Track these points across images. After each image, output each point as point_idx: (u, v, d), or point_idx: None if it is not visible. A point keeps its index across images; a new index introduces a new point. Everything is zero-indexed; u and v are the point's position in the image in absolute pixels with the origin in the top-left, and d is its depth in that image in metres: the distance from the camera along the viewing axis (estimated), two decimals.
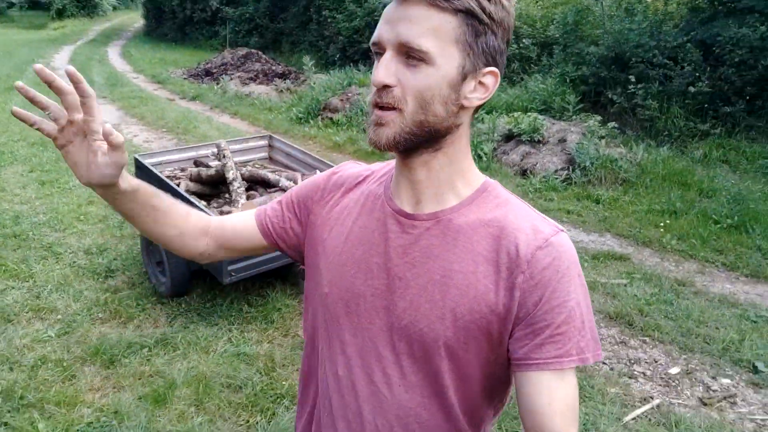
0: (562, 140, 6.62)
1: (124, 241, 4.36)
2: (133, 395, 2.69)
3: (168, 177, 3.87)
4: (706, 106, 7.13)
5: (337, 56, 12.51)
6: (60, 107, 0.84)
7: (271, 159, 4.66)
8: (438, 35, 0.78)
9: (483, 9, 0.78)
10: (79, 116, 0.83)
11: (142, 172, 3.91)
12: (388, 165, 1.01)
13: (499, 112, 7.66)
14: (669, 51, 7.51)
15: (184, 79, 12.52)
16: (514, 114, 7.20)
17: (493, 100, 8.25)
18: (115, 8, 30.24)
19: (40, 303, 3.48)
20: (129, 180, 0.92)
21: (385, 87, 0.80)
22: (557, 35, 9.34)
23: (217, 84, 11.47)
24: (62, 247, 4.24)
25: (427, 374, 0.89)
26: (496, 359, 0.87)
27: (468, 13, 0.78)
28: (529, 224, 0.86)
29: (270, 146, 4.66)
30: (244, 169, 4.03)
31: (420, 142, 0.84)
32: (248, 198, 3.65)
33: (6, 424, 2.49)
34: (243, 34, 16.64)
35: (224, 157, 3.91)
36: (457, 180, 0.90)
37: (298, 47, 14.81)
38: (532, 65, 9.52)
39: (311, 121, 8.60)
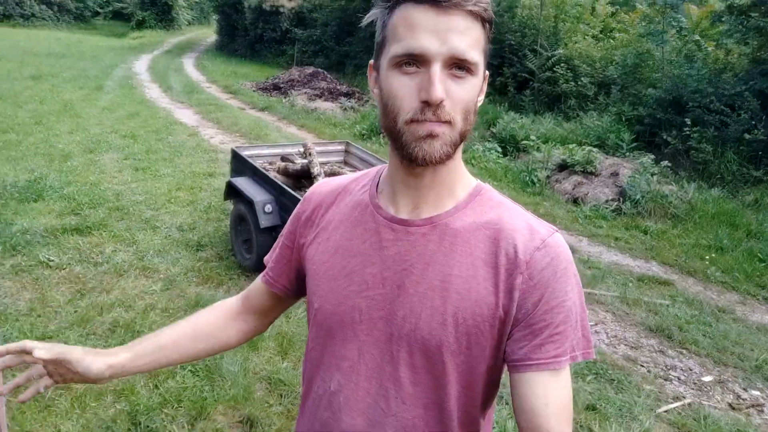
0: (614, 174, 6.91)
1: (211, 223, 4.90)
2: None
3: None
4: (760, 153, 7.30)
5: None
6: (37, 368, 0.95)
7: (346, 164, 5.15)
8: (478, 46, 0.81)
9: (493, 19, 0.83)
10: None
11: (238, 161, 4.45)
12: (369, 173, 1.01)
13: (553, 143, 8.01)
14: (727, 98, 7.74)
15: (254, 91, 13.35)
16: (569, 146, 7.55)
17: (548, 132, 8.63)
18: (189, 23, 32.08)
19: (145, 264, 4.02)
20: (116, 355, 0.97)
21: (440, 102, 0.78)
22: (615, 76, 9.67)
23: (285, 98, 12.23)
24: (158, 222, 4.81)
25: (427, 384, 0.87)
26: (495, 363, 0.87)
27: (489, 23, 0.82)
28: (525, 225, 0.87)
29: (346, 152, 5.15)
30: (326, 167, 4.52)
31: (455, 151, 0.84)
32: None
33: None
34: (309, 54, 17.54)
35: (310, 154, 4.41)
36: (457, 183, 0.90)
37: (362, 70, 15.54)
38: (588, 102, 9.87)
39: (373, 138, 9.13)
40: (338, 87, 13.15)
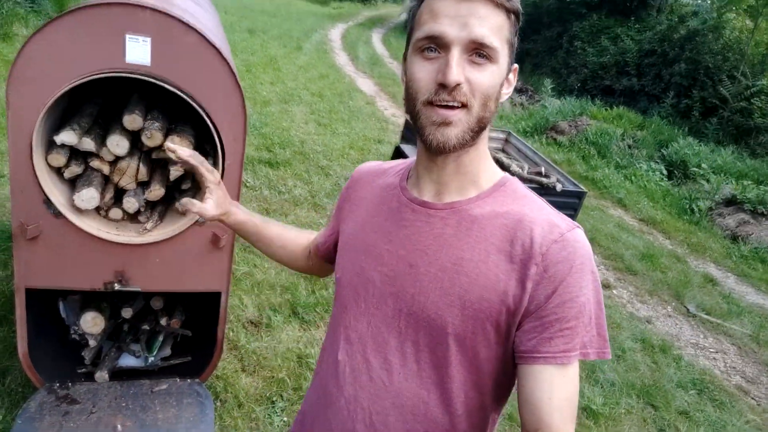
0: None
1: None
2: None
3: None
4: None
5: (577, 86, 12.95)
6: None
7: (503, 151, 5.49)
8: (500, 34, 0.81)
9: (520, 11, 0.85)
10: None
11: (409, 130, 5.01)
12: (408, 161, 1.04)
13: (726, 176, 7.58)
14: None
15: None
16: (744, 182, 7.12)
17: (726, 165, 8.13)
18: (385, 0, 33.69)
19: (316, 201, 4.78)
20: (241, 212, 1.21)
21: (457, 85, 0.80)
22: None
23: None
24: (331, 171, 5.58)
25: (430, 364, 0.88)
26: (505, 354, 0.87)
27: (515, 15, 0.84)
28: (545, 218, 0.86)
29: (506, 141, 5.49)
30: None
31: (474, 138, 0.85)
32: None
33: None
34: None
35: None
36: (481, 174, 0.91)
37: (540, 69, 15.49)
38: None
39: (535, 137, 9.27)
40: None
